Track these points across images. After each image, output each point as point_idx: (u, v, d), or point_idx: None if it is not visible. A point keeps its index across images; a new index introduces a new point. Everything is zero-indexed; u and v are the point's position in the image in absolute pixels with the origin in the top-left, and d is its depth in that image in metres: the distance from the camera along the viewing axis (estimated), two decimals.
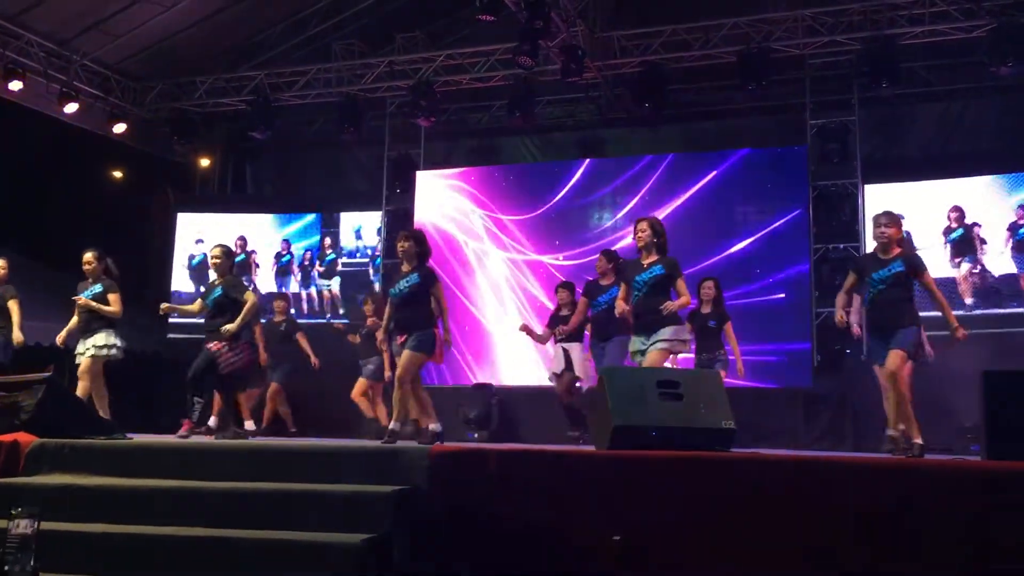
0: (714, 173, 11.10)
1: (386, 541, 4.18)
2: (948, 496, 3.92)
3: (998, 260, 10.26)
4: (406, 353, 6.57)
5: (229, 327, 7.12)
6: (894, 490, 4.02)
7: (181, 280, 13.00)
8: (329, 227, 12.92)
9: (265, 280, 12.87)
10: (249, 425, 8.88)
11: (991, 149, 10.81)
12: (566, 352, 8.58)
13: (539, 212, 11.74)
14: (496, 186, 12.06)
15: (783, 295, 10.53)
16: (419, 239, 6.78)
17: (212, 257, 7.48)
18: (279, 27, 12.19)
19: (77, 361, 7.52)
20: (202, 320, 7.58)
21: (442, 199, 12.24)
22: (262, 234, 13.04)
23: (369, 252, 12.67)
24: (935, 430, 9.18)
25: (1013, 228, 10.22)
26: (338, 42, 11.97)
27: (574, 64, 10.21)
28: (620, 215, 11.36)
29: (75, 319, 7.60)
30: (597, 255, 8.32)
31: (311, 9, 11.96)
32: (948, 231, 10.47)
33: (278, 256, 12.89)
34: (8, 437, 5.37)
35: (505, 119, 11.88)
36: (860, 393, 9.63)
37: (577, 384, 8.61)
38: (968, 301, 10.26)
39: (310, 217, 12.99)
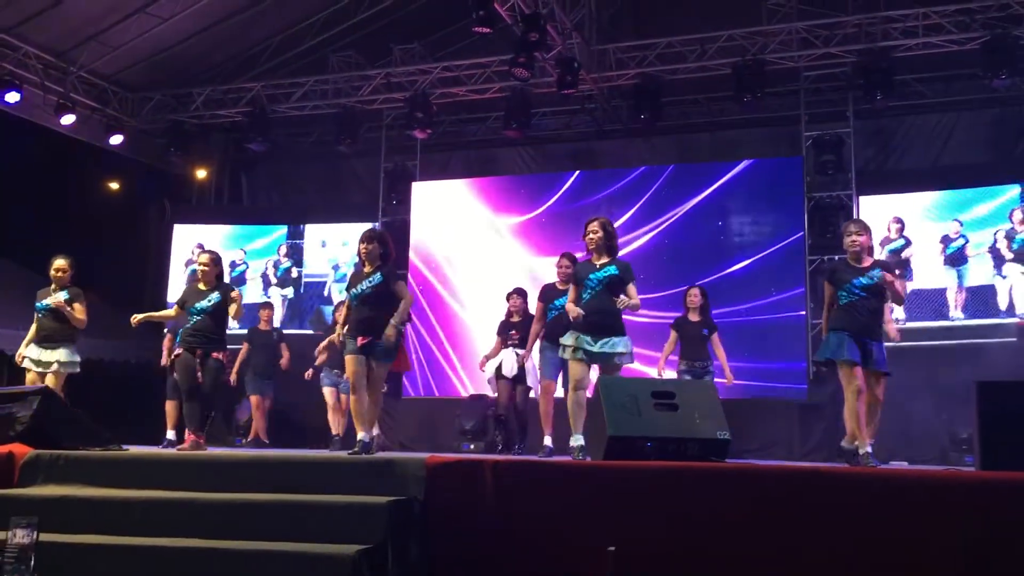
0: (710, 185, 11.15)
1: (381, 552, 4.17)
2: (943, 507, 3.93)
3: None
4: (377, 362, 6.35)
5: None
6: (890, 501, 4.03)
7: (177, 291, 12.96)
8: (294, 238, 12.94)
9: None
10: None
11: (985, 161, 10.85)
12: (519, 359, 8.32)
13: (537, 222, 11.78)
14: (492, 197, 12.08)
15: (779, 307, 10.55)
16: (383, 240, 6.63)
17: (201, 264, 7.34)
18: (276, 39, 12.21)
19: (30, 367, 7.42)
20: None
21: (438, 210, 12.26)
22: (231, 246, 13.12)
23: (333, 263, 12.62)
24: (929, 441, 9.24)
25: (946, 241, 10.45)
26: (335, 54, 12.01)
27: (570, 76, 10.25)
28: (618, 227, 11.37)
29: (35, 328, 7.51)
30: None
31: (308, 21, 11.99)
32: (887, 241, 10.61)
33: (233, 265, 12.87)
34: (3, 449, 5.37)
35: (501, 131, 11.91)
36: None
37: (531, 394, 8.46)
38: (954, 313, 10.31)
39: (280, 231, 13.02)
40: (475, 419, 10.59)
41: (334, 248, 12.72)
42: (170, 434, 8.61)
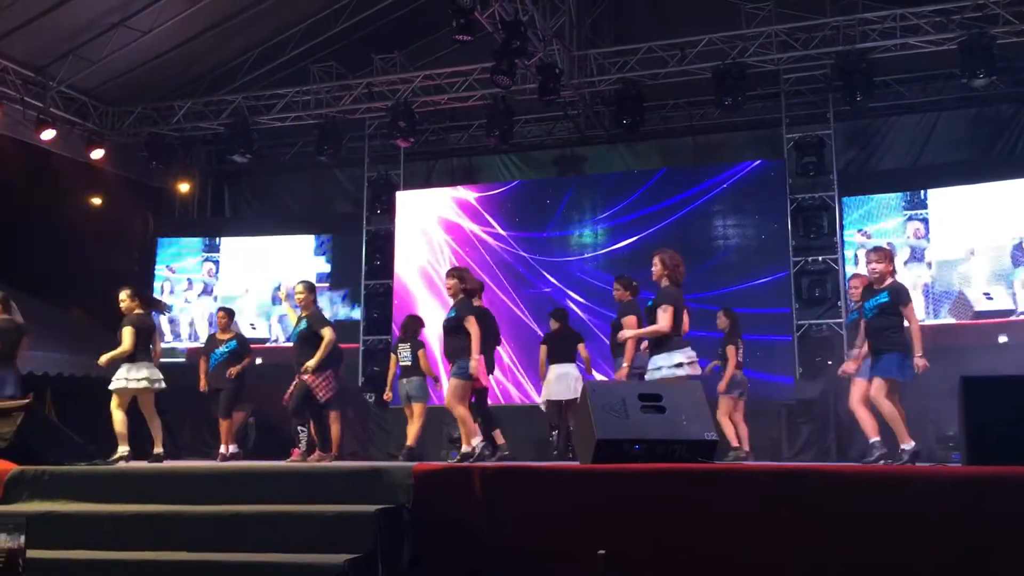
0: (693, 188, 11.20)
1: (370, 561, 4.16)
2: (931, 503, 3.95)
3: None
4: (451, 379, 7.05)
5: (310, 363, 7.64)
6: (879, 498, 4.04)
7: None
8: (212, 251, 12.97)
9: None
10: (233, 448, 8.89)
11: (965, 159, 10.93)
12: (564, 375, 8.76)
13: (523, 230, 11.80)
14: (477, 204, 12.08)
15: (764, 308, 10.58)
16: (462, 276, 7.30)
17: (296, 292, 8.00)
18: (257, 51, 12.18)
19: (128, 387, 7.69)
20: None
21: (422, 219, 12.25)
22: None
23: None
24: (916, 438, 9.25)
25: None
26: (316, 65, 11.98)
27: (551, 83, 10.28)
28: (600, 232, 11.43)
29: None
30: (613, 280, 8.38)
31: (288, 32, 11.97)
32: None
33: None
34: None
35: (484, 138, 11.92)
36: (843, 404, 9.68)
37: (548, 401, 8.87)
38: None
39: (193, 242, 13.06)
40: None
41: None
42: (227, 448, 8.92)
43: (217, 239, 13.02)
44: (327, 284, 12.56)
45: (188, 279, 12.94)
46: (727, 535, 4.11)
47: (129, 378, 7.65)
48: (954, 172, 10.71)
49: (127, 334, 7.71)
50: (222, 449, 8.85)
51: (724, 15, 10.71)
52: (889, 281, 6.71)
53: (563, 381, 8.72)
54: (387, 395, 9.39)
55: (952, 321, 10.29)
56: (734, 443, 8.85)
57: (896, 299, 6.62)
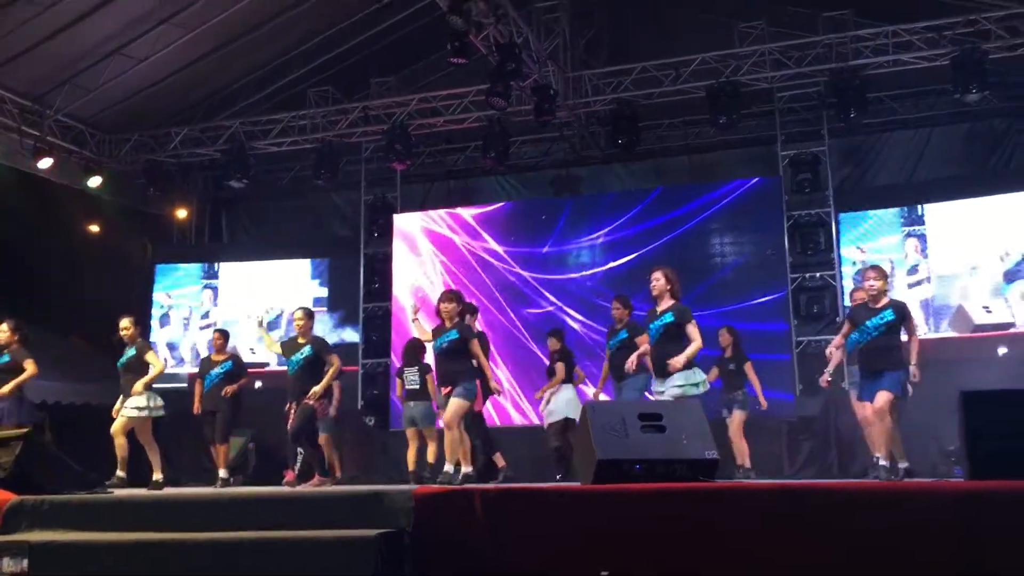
0: (690, 205, 11.23)
1: None
2: (932, 518, 3.93)
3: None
4: (452, 399, 7.01)
5: (317, 389, 7.68)
6: (881, 514, 4.03)
7: (160, 332, 12.95)
8: (210, 278, 13.00)
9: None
10: (223, 474, 8.85)
11: (959, 174, 10.97)
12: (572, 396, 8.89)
13: (520, 249, 11.82)
14: (475, 226, 12.11)
15: (763, 324, 10.59)
16: (460, 299, 7.32)
17: (296, 319, 8.00)
18: (253, 76, 12.25)
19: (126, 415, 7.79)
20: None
21: (420, 241, 12.27)
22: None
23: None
24: (920, 454, 9.24)
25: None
26: (312, 89, 12.04)
27: (547, 104, 10.32)
28: (598, 251, 11.45)
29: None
30: (612, 300, 8.43)
31: (284, 58, 12.03)
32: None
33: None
34: None
35: (480, 160, 11.97)
36: (843, 420, 9.67)
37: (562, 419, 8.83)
38: None
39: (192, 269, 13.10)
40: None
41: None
42: (222, 473, 8.83)
43: (216, 265, 13.03)
44: (324, 308, 12.56)
45: (189, 306, 12.93)
46: (729, 554, 4.09)
47: (128, 406, 7.70)
48: (948, 187, 10.74)
49: (155, 356, 7.95)
50: (221, 473, 8.81)
51: (717, 34, 10.79)
52: (886, 300, 6.73)
53: (574, 401, 8.84)
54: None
55: (953, 335, 10.28)
56: (748, 463, 8.91)
57: (901, 316, 6.64)
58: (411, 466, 8.87)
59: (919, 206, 10.67)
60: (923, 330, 10.20)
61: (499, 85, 9.79)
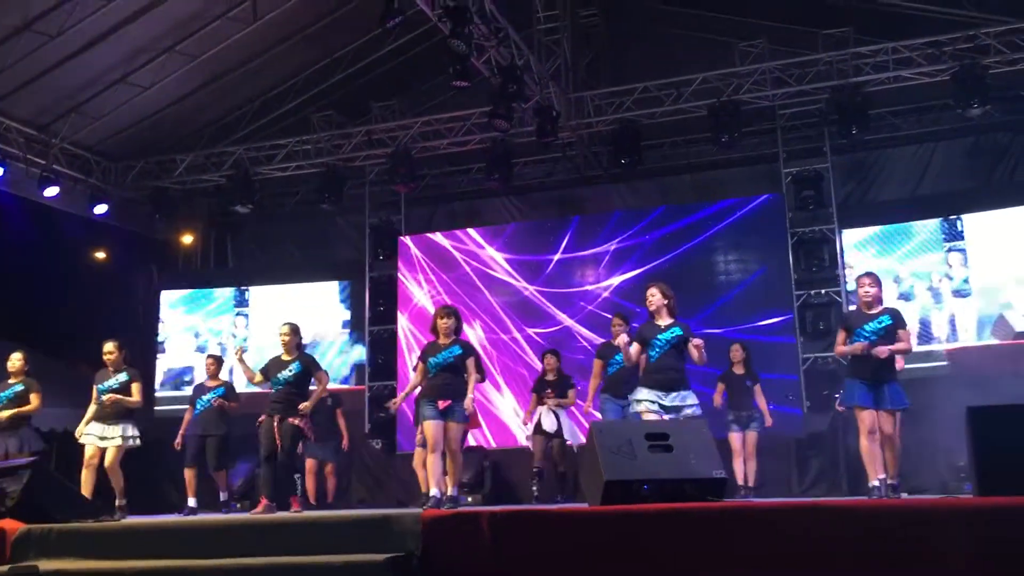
0: (694, 225, 11.25)
1: None
2: (941, 536, 3.91)
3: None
4: (455, 424, 6.91)
5: (306, 405, 7.57)
6: (891, 532, 4.00)
7: (167, 359, 12.96)
8: (241, 305, 13.01)
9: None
10: (192, 503, 8.84)
11: (962, 189, 10.96)
12: (556, 416, 8.80)
13: (525, 268, 11.85)
14: (478, 247, 12.13)
15: (768, 342, 10.57)
16: (457, 315, 7.23)
17: (281, 335, 7.77)
18: (257, 102, 12.34)
19: (92, 443, 7.74)
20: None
21: (425, 262, 12.30)
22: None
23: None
24: (929, 470, 9.21)
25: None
26: (316, 114, 12.11)
27: (549, 125, 10.36)
28: (601, 271, 11.47)
29: (93, 408, 7.86)
30: (611, 317, 8.50)
31: (287, 84, 12.14)
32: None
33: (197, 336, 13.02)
34: None
35: (484, 181, 12.01)
36: (852, 436, 9.62)
37: (569, 444, 8.80)
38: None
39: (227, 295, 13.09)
40: (470, 471, 10.50)
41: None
42: (191, 501, 8.84)
43: (246, 293, 13.03)
44: (348, 330, 12.61)
45: (231, 334, 12.93)
46: (741, 574, 4.06)
47: (104, 436, 7.75)
48: (954, 202, 10.73)
49: (139, 390, 7.91)
50: (222, 497, 8.81)
51: (718, 53, 10.83)
52: (881, 307, 6.68)
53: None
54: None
55: (996, 342, 10.22)
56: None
57: (899, 322, 6.59)
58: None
59: (958, 221, 10.58)
60: (973, 339, 10.24)
61: (501, 107, 9.83)
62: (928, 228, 10.72)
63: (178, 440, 9.00)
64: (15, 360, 8.10)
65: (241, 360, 7.73)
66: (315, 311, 12.61)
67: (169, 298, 13.22)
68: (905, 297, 10.53)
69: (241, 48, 11.00)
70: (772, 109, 11.06)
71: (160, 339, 13.05)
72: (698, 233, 11.22)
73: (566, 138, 11.39)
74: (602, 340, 9.51)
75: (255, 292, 13.06)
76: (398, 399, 8.14)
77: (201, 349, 12.75)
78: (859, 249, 10.94)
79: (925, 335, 10.41)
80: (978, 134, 11.03)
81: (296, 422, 7.51)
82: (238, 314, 12.99)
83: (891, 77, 10.14)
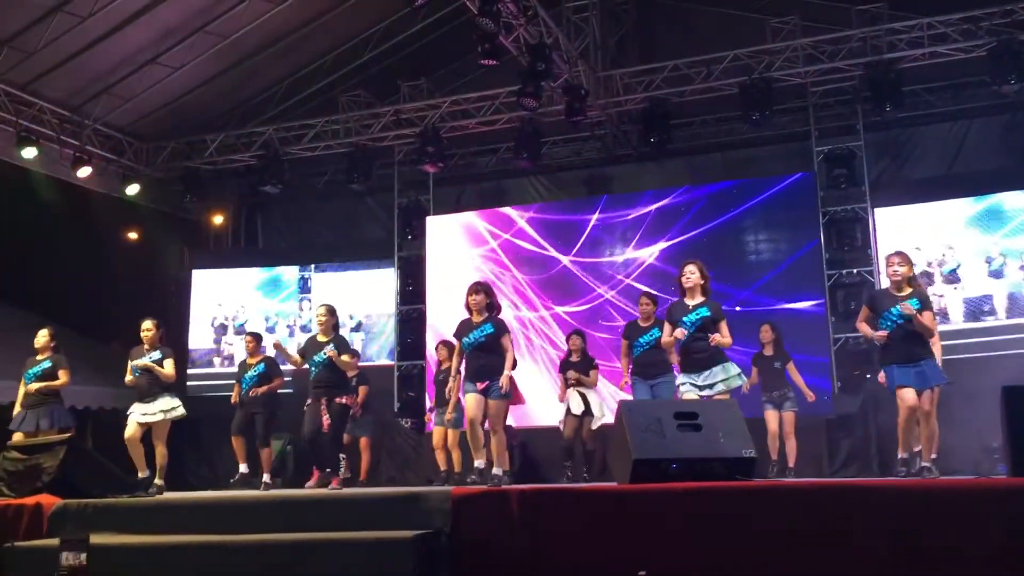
0: (725, 204, 11.13)
1: None
2: (974, 515, 3.88)
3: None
4: (495, 402, 6.77)
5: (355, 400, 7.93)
6: (923, 512, 3.98)
7: (199, 338, 13.09)
8: (304, 292, 13.11)
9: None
10: (266, 478, 8.94)
11: (997, 167, 10.78)
12: (583, 396, 8.79)
13: (555, 249, 11.81)
14: (507, 227, 12.11)
15: (800, 322, 10.48)
16: (488, 291, 7.06)
17: (318, 316, 7.86)
18: (285, 83, 12.37)
19: (138, 421, 7.68)
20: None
21: (453, 243, 12.31)
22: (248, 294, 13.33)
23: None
24: (962, 450, 9.12)
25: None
26: (344, 94, 12.12)
27: (578, 104, 10.30)
28: (629, 251, 11.41)
29: (129, 379, 7.84)
30: (640, 296, 8.34)
31: (316, 64, 12.15)
32: (942, 263, 10.54)
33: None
34: (31, 500, 5.39)
35: (512, 161, 11.98)
36: (882, 416, 9.56)
37: (601, 424, 8.92)
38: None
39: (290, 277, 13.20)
40: None
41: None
42: (242, 467, 9.02)
43: (308, 279, 13.15)
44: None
45: (295, 318, 13.09)
46: (767, 554, 4.06)
47: (145, 413, 7.75)
48: (990, 180, 10.56)
49: (172, 366, 7.87)
50: (265, 478, 8.88)
51: (749, 30, 10.70)
52: (911, 288, 6.46)
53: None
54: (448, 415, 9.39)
55: None
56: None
57: (926, 304, 6.40)
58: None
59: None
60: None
61: (530, 86, 9.79)
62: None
63: (235, 399, 9.16)
64: (42, 337, 8.17)
65: (280, 348, 7.84)
66: (371, 295, 12.75)
67: (252, 282, 13.32)
68: (996, 275, 10.31)
69: (270, 28, 11.02)
70: (804, 86, 10.91)
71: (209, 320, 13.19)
72: (726, 213, 11.11)
73: (595, 117, 11.32)
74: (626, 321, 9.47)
75: (317, 278, 13.16)
76: (452, 386, 7.99)
77: (240, 330, 12.89)
78: (968, 225, 10.51)
79: (1015, 310, 10.18)
80: (1015, 111, 10.82)
81: (344, 400, 7.69)
82: (302, 299, 13.11)
83: (926, 53, 9.97)
